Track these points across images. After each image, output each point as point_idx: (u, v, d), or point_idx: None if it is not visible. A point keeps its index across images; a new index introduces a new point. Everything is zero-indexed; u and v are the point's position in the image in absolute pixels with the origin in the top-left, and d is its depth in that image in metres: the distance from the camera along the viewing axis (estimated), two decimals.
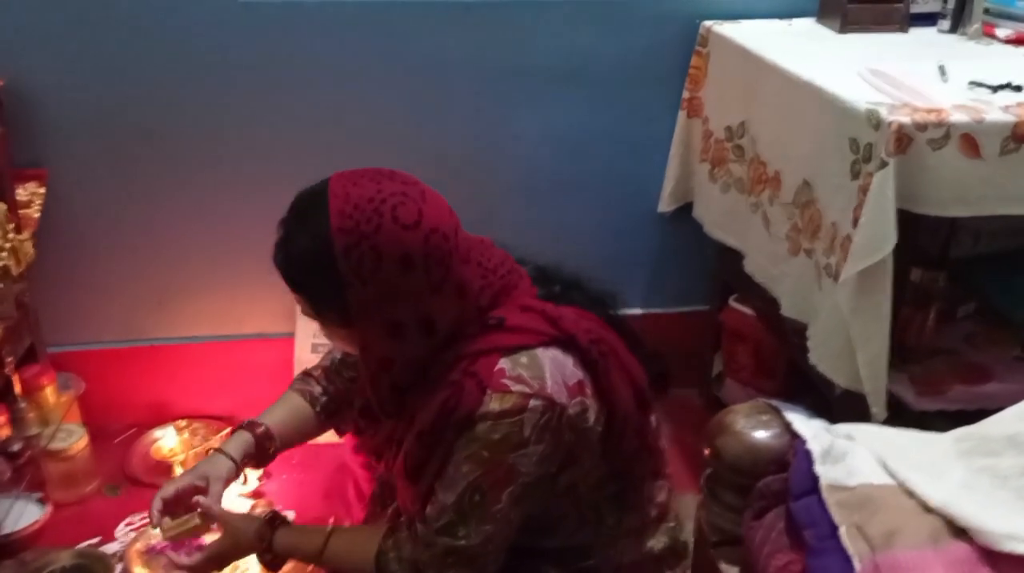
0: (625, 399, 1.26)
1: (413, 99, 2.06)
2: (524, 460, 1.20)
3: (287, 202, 1.23)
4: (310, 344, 2.19)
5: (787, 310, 1.72)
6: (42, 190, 1.93)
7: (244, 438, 1.42)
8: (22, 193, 1.89)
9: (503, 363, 1.19)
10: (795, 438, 0.96)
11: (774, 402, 1.01)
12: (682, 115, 2.10)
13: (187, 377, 2.21)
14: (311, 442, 1.58)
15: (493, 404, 1.17)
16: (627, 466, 1.33)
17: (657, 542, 1.39)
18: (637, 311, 2.31)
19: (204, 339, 2.19)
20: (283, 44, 1.96)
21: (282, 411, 1.51)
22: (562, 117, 2.11)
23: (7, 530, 1.82)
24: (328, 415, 1.51)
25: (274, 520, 1.38)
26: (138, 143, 2.00)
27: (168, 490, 1.38)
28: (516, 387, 1.17)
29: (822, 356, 1.56)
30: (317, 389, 1.51)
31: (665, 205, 2.19)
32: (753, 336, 2.05)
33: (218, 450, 1.41)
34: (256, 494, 1.99)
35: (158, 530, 1.38)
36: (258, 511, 1.93)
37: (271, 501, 1.97)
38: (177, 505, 1.38)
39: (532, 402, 1.17)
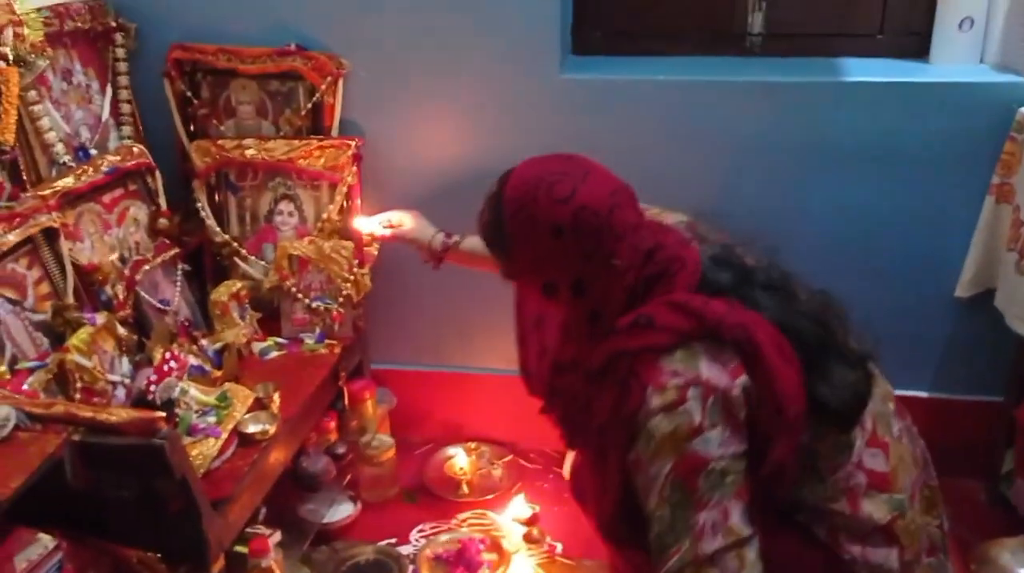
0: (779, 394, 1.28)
1: (703, 169, 2.14)
2: (705, 445, 1.25)
3: None
4: None
5: None
6: None
7: (440, 237, 1.99)
8: None
9: (660, 361, 1.29)
10: None
11: None
12: (990, 200, 2.02)
13: (480, 403, 2.46)
14: None
15: (655, 399, 1.27)
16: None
17: (876, 510, 1.38)
18: (923, 394, 2.23)
19: (498, 372, 2.39)
20: (595, 117, 2.14)
21: None
22: (856, 195, 2.10)
23: (327, 520, 2.13)
24: None
25: None
26: (455, 196, 2.20)
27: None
28: (672, 381, 1.26)
29: None
30: None
31: (964, 290, 2.11)
32: None
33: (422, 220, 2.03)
34: (531, 521, 2.16)
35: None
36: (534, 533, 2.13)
37: (543, 529, 2.14)
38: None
39: (691, 391, 1.25)
